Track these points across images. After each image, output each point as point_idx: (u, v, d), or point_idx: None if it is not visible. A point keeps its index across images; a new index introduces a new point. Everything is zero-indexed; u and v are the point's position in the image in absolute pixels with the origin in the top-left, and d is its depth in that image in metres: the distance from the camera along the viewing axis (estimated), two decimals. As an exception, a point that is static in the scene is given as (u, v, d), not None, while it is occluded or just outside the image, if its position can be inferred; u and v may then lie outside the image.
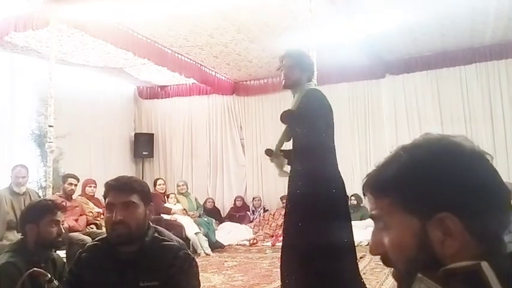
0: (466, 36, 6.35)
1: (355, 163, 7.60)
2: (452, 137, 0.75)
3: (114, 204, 1.70)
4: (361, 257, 5.41)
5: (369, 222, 8.25)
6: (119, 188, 1.73)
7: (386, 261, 0.76)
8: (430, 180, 0.70)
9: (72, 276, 1.77)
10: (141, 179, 2.10)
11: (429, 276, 0.63)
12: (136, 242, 1.71)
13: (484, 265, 0.60)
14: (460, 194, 0.68)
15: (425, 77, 7.34)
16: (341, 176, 2.82)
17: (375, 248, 0.77)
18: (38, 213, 2.26)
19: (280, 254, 2.83)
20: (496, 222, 0.70)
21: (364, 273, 4.58)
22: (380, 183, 0.76)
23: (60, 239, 2.33)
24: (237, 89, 8.50)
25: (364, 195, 0.81)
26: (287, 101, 3.10)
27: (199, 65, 7.17)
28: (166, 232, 1.88)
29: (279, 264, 2.85)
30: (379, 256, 0.77)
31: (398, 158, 0.75)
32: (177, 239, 1.91)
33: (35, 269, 1.37)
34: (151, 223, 1.82)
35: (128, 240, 1.69)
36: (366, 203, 7.58)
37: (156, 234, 1.78)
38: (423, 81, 7.37)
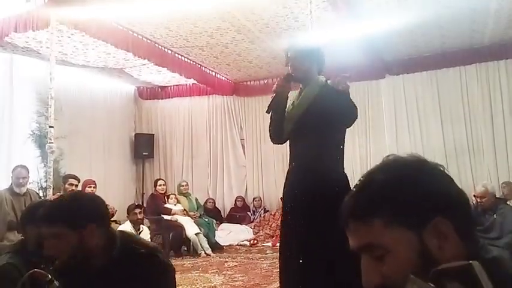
0: (466, 36, 6.35)
1: (355, 164, 7.59)
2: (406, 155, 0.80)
3: (43, 236, 1.60)
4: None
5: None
6: (42, 219, 1.61)
7: None
8: (415, 191, 0.72)
9: None
10: (80, 197, 1.92)
11: (422, 277, 0.64)
12: (99, 258, 1.61)
13: (475, 265, 0.61)
14: (444, 199, 0.72)
15: (425, 77, 7.34)
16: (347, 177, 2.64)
17: (372, 279, 0.74)
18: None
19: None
20: (472, 223, 0.75)
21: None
22: (366, 206, 0.74)
23: (61, 240, 2.33)
24: (237, 89, 8.51)
25: (346, 224, 0.78)
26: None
27: (199, 66, 7.18)
28: (137, 237, 1.80)
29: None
30: None
31: (374, 181, 0.76)
32: (150, 243, 1.83)
33: (36, 270, 1.37)
34: (116, 232, 1.72)
35: (73, 270, 1.60)
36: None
37: (124, 241, 1.68)
38: (423, 81, 7.37)
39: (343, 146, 2.69)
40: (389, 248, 0.72)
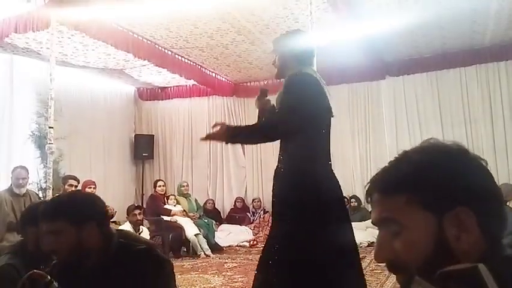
0: (466, 37, 6.35)
1: (355, 165, 7.60)
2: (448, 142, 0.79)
3: (43, 232, 1.61)
4: (361, 258, 5.41)
5: (369, 223, 8.28)
6: (44, 214, 1.62)
7: (395, 266, 0.74)
8: (445, 176, 0.72)
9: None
10: (80, 195, 1.95)
11: (427, 278, 0.63)
12: (94, 256, 1.62)
13: (482, 268, 0.61)
14: (473, 190, 0.71)
15: (425, 78, 7.35)
16: (333, 177, 2.41)
17: (384, 253, 0.75)
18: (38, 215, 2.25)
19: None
20: (499, 221, 0.73)
21: (364, 274, 4.58)
22: (393, 181, 0.75)
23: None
24: (237, 90, 8.50)
25: (369, 197, 0.79)
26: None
27: (199, 67, 7.18)
28: (133, 235, 1.81)
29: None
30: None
31: (409, 159, 0.77)
32: (147, 240, 1.83)
33: (35, 270, 1.36)
34: (113, 231, 1.72)
35: (70, 266, 1.61)
36: (367, 206, 7.54)
37: (121, 240, 1.69)
38: (423, 82, 7.37)
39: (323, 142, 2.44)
40: (406, 225, 0.72)
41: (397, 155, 0.80)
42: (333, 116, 2.46)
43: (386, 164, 0.80)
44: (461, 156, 0.76)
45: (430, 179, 0.72)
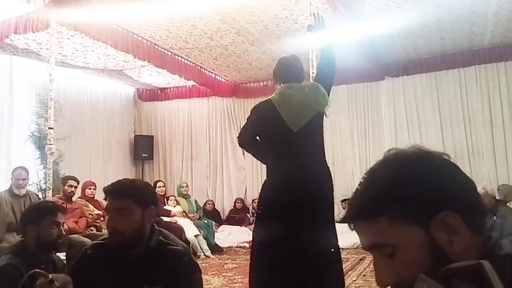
0: (466, 38, 6.37)
1: (355, 166, 7.60)
2: (408, 148, 0.77)
3: (109, 210, 1.69)
4: (360, 259, 5.42)
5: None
6: (113, 193, 1.70)
7: (399, 287, 0.72)
8: (419, 185, 0.71)
9: (76, 271, 1.75)
10: (144, 181, 2.05)
11: (431, 276, 0.62)
12: (136, 246, 1.68)
13: (486, 264, 0.60)
14: (450, 191, 0.71)
15: (425, 79, 7.36)
16: (296, 182, 2.61)
17: (385, 278, 0.73)
18: (38, 215, 2.26)
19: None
20: (482, 214, 0.73)
21: (364, 275, 4.59)
22: (370, 205, 0.73)
23: (61, 241, 2.33)
24: (236, 91, 8.51)
25: (351, 224, 0.77)
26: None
27: (199, 67, 7.19)
28: (171, 236, 1.84)
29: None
30: None
31: (378, 178, 0.75)
32: (182, 243, 1.88)
33: (36, 270, 1.37)
34: (156, 226, 1.79)
35: (125, 245, 1.66)
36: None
37: (160, 237, 1.75)
38: (423, 83, 7.38)
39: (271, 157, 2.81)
40: (397, 245, 0.71)
41: (364, 175, 0.78)
42: (294, 131, 2.67)
43: (358, 187, 0.78)
44: (427, 160, 0.74)
45: (404, 192, 0.71)
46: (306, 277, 2.49)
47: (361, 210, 0.75)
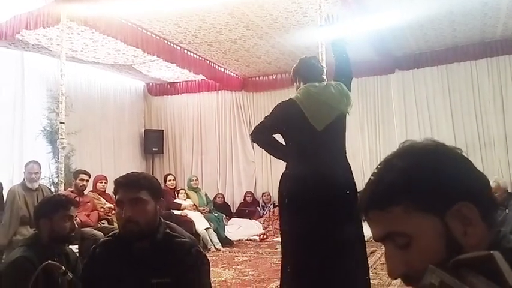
0: (477, 30, 6.29)
1: (365, 159, 7.58)
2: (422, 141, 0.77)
3: (123, 201, 1.69)
4: (371, 252, 5.41)
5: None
6: (127, 185, 1.72)
7: (410, 278, 0.72)
8: (436, 175, 0.71)
9: (87, 271, 1.78)
10: (151, 174, 2.08)
11: (441, 266, 0.62)
12: (147, 238, 1.70)
13: (497, 255, 0.60)
14: (467, 184, 0.71)
15: (436, 72, 7.28)
16: (319, 175, 2.65)
17: (397, 269, 0.72)
18: (52, 208, 2.29)
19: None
20: (494, 207, 0.73)
21: (374, 268, 4.58)
22: (386, 194, 0.72)
23: (73, 234, 2.36)
24: (246, 85, 8.51)
25: (364, 215, 0.76)
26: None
27: (208, 62, 7.19)
28: (178, 228, 1.86)
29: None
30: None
31: (394, 167, 0.74)
32: (189, 235, 1.89)
33: (49, 261, 1.39)
34: (162, 219, 1.81)
35: (138, 236, 1.68)
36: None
37: (168, 230, 1.76)
38: (433, 76, 7.31)
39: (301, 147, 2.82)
40: (411, 235, 0.70)
41: (378, 166, 0.77)
42: (318, 130, 2.69)
43: (371, 177, 0.77)
44: (442, 152, 0.74)
45: (421, 182, 0.70)
46: (335, 266, 2.56)
47: (375, 200, 0.74)
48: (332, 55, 3.14)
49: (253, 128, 2.87)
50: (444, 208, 0.69)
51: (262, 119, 2.83)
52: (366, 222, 0.77)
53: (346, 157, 2.84)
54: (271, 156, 7.95)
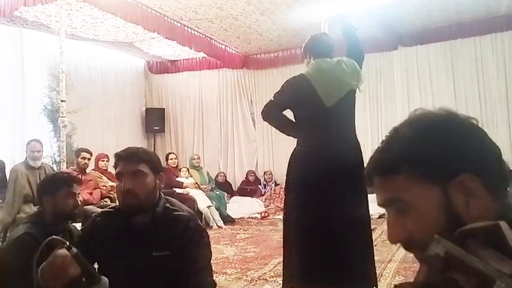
0: (482, 6, 6.18)
1: (367, 137, 7.54)
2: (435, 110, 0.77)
3: (123, 173, 1.69)
4: (372, 230, 5.45)
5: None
6: (127, 157, 1.72)
7: (410, 245, 0.73)
8: (442, 145, 0.70)
9: (86, 236, 1.80)
10: (151, 150, 2.08)
11: (447, 236, 0.62)
12: (147, 211, 1.71)
13: (503, 225, 0.59)
14: (472, 154, 0.70)
15: (439, 48, 7.20)
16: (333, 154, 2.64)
17: (397, 234, 0.74)
18: (55, 186, 2.30)
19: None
20: (503, 179, 0.72)
21: (375, 245, 4.61)
22: (390, 162, 0.73)
23: (76, 211, 2.37)
24: (247, 62, 8.44)
25: (369, 181, 0.78)
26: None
27: (209, 39, 7.12)
28: (177, 203, 1.87)
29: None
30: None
31: (401, 136, 0.75)
32: (188, 209, 1.89)
33: (54, 237, 1.40)
34: (162, 194, 1.82)
35: (138, 209, 1.69)
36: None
37: (167, 205, 1.78)
38: (437, 53, 7.23)
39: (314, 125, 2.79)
40: (413, 202, 0.71)
41: (387, 133, 0.78)
42: (327, 106, 2.65)
43: (380, 144, 0.78)
44: (453, 122, 0.74)
45: (426, 151, 0.71)
46: (345, 241, 2.55)
47: (380, 167, 0.75)
48: (341, 35, 3.10)
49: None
50: (446, 179, 0.69)
51: (272, 97, 2.78)
52: (371, 187, 0.79)
53: (355, 134, 2.82)
54: (273, 135, 8.06)
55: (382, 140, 0.78)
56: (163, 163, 7.65)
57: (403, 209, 0.72)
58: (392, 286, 3.16)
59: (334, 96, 2.67)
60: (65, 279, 1.35)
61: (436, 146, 0.70)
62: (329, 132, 2.68)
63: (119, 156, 1.74)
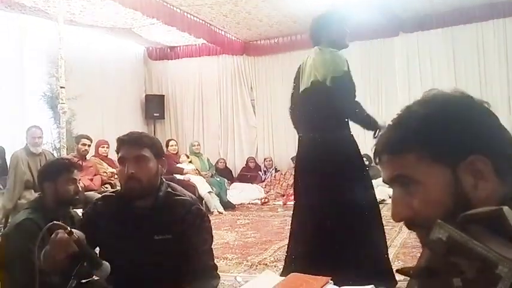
0: (484, -9, 6.13)
1: (367, 123, 7.54)
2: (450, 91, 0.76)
3: (126, 158, 1.69)
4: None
5: (380, 181, 8.34)
6: (131, 142, 1.72)
7: (413, 223, 0.73)
8: (454, 126, 0.70)
9: (87, 221, 1.81)
10: (152, 135, 2.07)
11: (449, 222, 0.62)
12: (149, 196, 1.71)
13: (507, 210, 0.59)
14: (484, 136, 0.70)
15: (440, 35, 7.15)
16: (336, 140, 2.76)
17: (401, 211, 0.73)
18: (55, 172, 2.30)
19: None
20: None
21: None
22: (401, 140, 0.73)
23: (78, 197, 2.38)
24: (247, 49, 8.39)
25: (378, 158, 0.77)
26: (298, 61, 3.04)
27: (208, 25, 7.06)
28: (179, 188, 1.88)
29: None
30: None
31: (413, 114, 0.74)
32: (190, 194, 1.90)
33: (55, 222, 1.40)
34: (164, 179, 1.82)
35: (140, 194, 1.69)
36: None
37: (169, 190, 1.78)
38: (438, 39, 7.18)
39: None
40: (421, 181, 0.71)
41: (399, 112, 0.77)
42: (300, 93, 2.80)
43: (390, 122, 0.77)
44: (467, 103, 0.74)
45: (438, 131, 0.70)
46: (350, 226, 2.58)
47: (390, 144, 0.75)
48: None
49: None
50: (457, 160, 0.69)
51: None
52: (379, 165, 0.78)
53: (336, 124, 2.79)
54: (273, 122, 8.07)
55: (394, 118, 0.77)
56: (164, 150, 7.65)
57: (410, 187, 0.72)
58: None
59: (303, 85, 2.78)
60: (62, 255, 1.36)
61: (448, 126, 0.70)
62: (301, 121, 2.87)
63: (121, 141, 1.74)
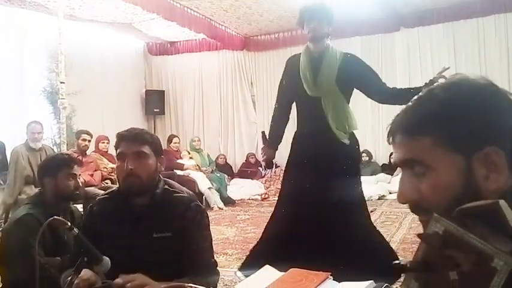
0: (486, -14, 6.11)
1: (367, 119, 7.53)
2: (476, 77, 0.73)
3: (126, 154, 1.68)
4: (371, 211, 5.49)
5: (380, 177, 8.25)
6: (131, 138, 1.70)
7: (419, 207, 0.72)
8: (474, 114, 0.68)
9: (85, 230, 1.77)
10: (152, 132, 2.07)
11: (446, 216, 0.62)
12: (147, 193, 1.71)
13: (503, 204, 0.59)
14: (503, 128, 0.68)
15: (441, 30, 7.13)
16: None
17: (407, 194, 0.72)
18: (55, 167, 2.31)
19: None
20: None
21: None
22: (418, 122, 0.71)
23: (78, 192, 2.38)
24: (247, 44, 8.37)
25: (392, 138, 0.75)
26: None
27: (208, 20, 7.04)
28: (176, 185, 1.87)
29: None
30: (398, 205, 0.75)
31: (435, 97, 0.72)
32: (188, 191, 1.89)
33: (55, 217, 1.40)
34: (161, 176, 1.82)
35: (139, 190, 1.69)
36: (377, 160, 7.50)
37: (166, 187, 1.78)
38: (439, 34, 7.16)
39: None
40: (433, 166, 0.70)
41: (421, 94, 0.75)
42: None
43: (410, 103, 0.75)
44: (491, 92, 0.71)
45: (458, 117, 0.68)
46: (331, 221, 2.65)
47: (405, 126, 0.73)
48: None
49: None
50: (472, 149, 0.68)
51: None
52: (392, 144, 0.76)
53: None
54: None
55: (414, 99, 0.75)
56: (165, 145, 7.66)
57: (421, 172, 0.71)
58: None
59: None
60: None
61: (468, 112, 0.68)
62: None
63: (121, 137, 1.72)
